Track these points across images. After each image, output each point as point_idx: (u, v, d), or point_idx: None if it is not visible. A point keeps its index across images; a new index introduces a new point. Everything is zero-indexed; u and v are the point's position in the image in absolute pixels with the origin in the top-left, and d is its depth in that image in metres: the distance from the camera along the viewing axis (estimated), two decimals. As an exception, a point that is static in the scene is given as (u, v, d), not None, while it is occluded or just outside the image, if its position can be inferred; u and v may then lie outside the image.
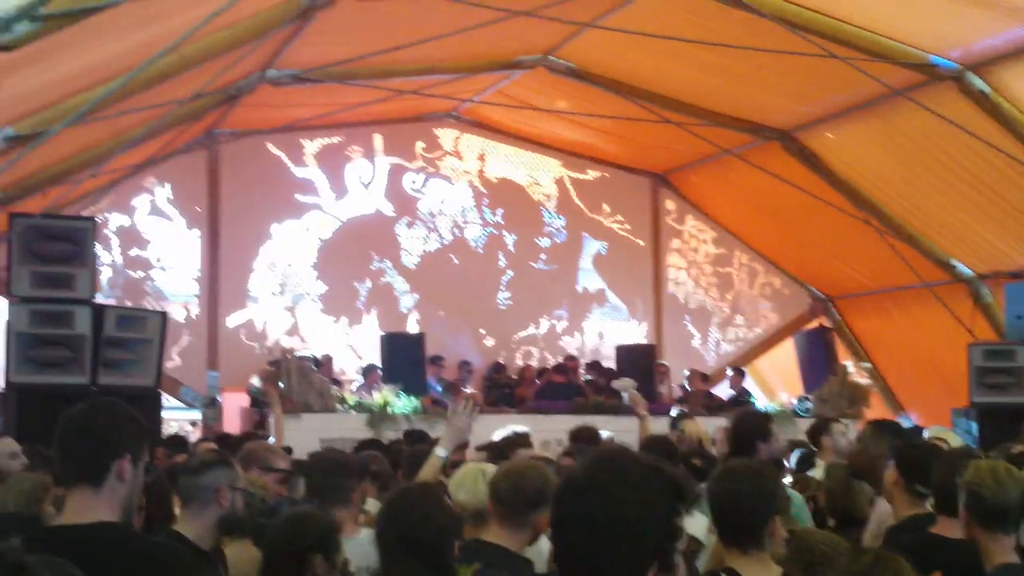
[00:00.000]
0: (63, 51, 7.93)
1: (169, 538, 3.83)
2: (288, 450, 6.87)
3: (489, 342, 17.68)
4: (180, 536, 3.86)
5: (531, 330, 18.08)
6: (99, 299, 11.49)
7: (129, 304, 14.44)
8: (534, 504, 3.90)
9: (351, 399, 12.87)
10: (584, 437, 7.80)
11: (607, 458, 2.01)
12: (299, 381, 12.55)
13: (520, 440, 6.46)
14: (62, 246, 10.26)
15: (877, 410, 16.75)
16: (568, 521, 1.94)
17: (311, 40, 11.46)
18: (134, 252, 15.63)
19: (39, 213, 10.42)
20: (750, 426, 5.92)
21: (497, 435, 8.06)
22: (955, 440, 7.14)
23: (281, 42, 11.29)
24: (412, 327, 16.78)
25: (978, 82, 11.69)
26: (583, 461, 2.06)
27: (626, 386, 10.14)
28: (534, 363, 17.29)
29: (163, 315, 11.41)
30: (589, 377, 15.80)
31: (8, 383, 10.12)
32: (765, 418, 6.33)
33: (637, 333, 18.51)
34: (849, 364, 15.53)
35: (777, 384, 18.93)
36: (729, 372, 16.87)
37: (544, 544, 4.04)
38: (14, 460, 6.12)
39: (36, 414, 9.30)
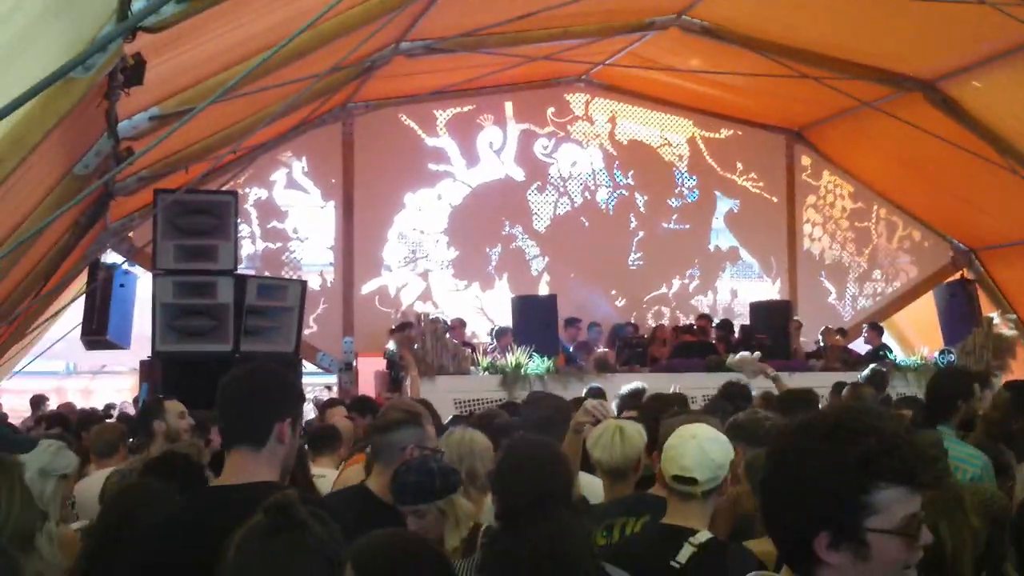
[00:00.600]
0: (204, 32, 8.16)
1: (359, 492, 4.00)
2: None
3: (620, 303, 17.67)
4: (367, 490, 4.00)
5: (663, 290, 18.01)
6: (239, 270, 11.85)
7: (268, 274, 14.86)
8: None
9: (484, 361, 13.00)
10: (733, 394, 7.71)
11: (802, 423, 1.97)
12: (433, 344, 12.73)
13: (675, 399, 6.32)
14: (204, 219, 10.57)
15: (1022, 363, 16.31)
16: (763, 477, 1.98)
17: (444, 10, 11.51)
18: (272, 224, 16.02)
19: (182, 188, 10.75)
20: (953, 385, 5.55)
21: (624, 389, 8.07)
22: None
23: (415, 14, 11.37)
24: (543, 290, 16.87)
25: None
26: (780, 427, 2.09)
27: (744, 363, 9.86)
28: (665, 322, 17.22)
29: (302, 283, 11.68)
30: (720, 334, 15.64)
31: (155, 352, 10.48)
32: (969, 376, 5.87)
33: (771, 291, 18.30)
34: (995, 315, 15.07)
35: (915, 338, 18.52)
36: (865, 328, 16.53)
37: None
38: (182, 420, 6.43)
39: (182, 381, 9.63)
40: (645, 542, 3.46)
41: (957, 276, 18.44)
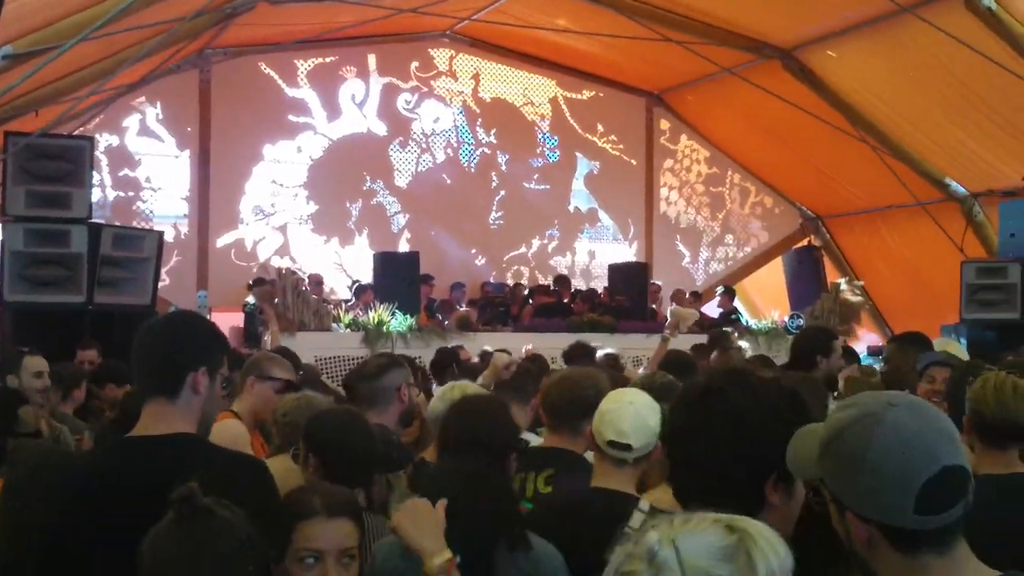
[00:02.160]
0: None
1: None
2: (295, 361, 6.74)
3: (481, 261, 17.70)
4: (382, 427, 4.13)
5: (522, 249, 18.11)
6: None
7: (119, 224, 14.34)
8: (586, 413, 3.92)
9: (346, 318, 12.85)
10: (579, 355, 7.87)
11: (729, 371, 2.05)
12: (294, 299, 12.53)
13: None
14: (58, 165, 10.10)
15: (867, 327, 16.99)
16: (687, 431, 1.98)
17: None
18: (123, 173, 15.46)
19: (34, 132, 10.26)
20: (813, 341, 5.95)
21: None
22: (961, 352, 7.15)
23: (279, -42, 11.08)
24: (403, 247, 16.76)
25: (985, -1, 11.65)
26: (703, 376, 2.12)
27: (683, 313, 10.01)
28: (524, 282, 17.34)
29: (159, 234, 11.32)
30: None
31: (3, 302, 10.02)
32: (828, 334, 6.26)
33: (628, 253, 18.57)
34: (842, 281, 15.61)
35: (763, 303, 19.08)
36: (718, 292, 16.94)
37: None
38: (38, 379, 6.15)
39: (31, 332, 9.26)
40: (590, 506, 3.44)
41: (805, 243, 19.03)
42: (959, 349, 7.28)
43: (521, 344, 10.28)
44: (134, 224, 14.82)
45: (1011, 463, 3.48)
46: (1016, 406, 3.43)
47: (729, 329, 11.73)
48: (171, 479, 2.23)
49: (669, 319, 10.05)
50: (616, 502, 3.32)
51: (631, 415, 3.44)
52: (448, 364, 8.49)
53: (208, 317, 14.28)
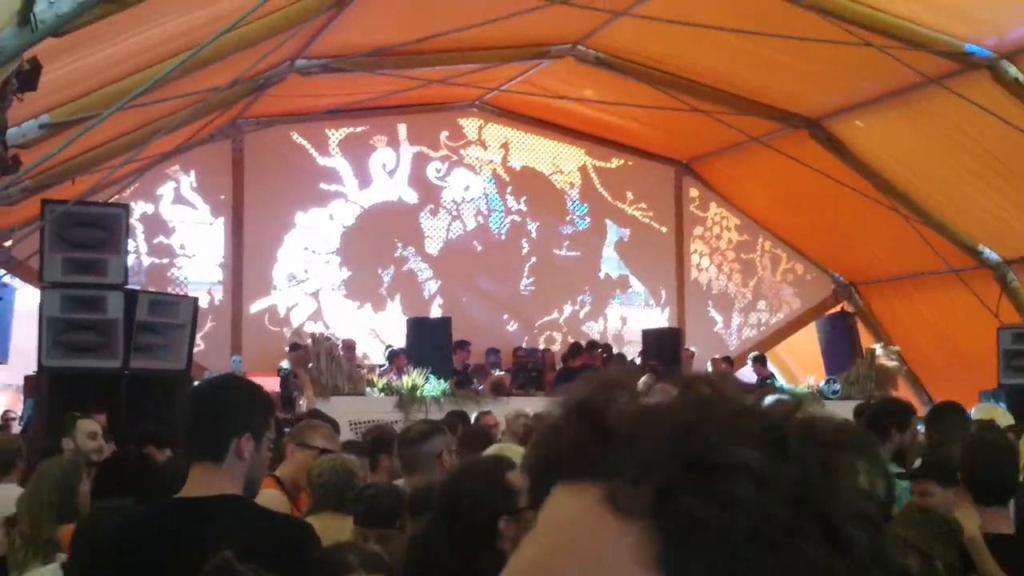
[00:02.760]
0: (99, 40, 7.97)
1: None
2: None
3: (513, 327, 17.73)
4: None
5: (554, 315, 18.13)
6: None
7: (153, 290, 14.50)
8: None
9: (380, 382, 12.90)
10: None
11: None
12: (328, 364, 12.60)
13: None
14: (94, 232, 10.27)
15: (903, 393, 16.81)
16: None
17: (342, 29, 11.46)
18: (158, 239, 15.67)
19: (71, 200, 10.44)
20: (891, 413, 5.70)
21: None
22: (1006, 417, 7.04)
23: (313, 31, 11.28)
24: (435, 313, 16.83)
25: (1012, 70, 11.70)
26: None
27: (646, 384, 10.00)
28: (555, 348, 17.35)
29: (194, 300, 11.44)
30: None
31: (40, 367, 10.14)
32: (907, 408, 5.94)
33: (660, 319, 18.54)
34: (878, 347, 15.51)
35: (796, 369, 18.98)
36: (749, 359, 16.86)
37: None
38: (92, 441, 6.24)
39: (68, 397, 9.35)
40: None
41: (838, 308, 18.95)
42: (1004, 414, 7.21)
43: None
44: (168, 290, 14.97)
45: None
46: None
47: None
48: (219, 539, 2.26)
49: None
50: None
51: None
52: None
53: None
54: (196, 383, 3.10)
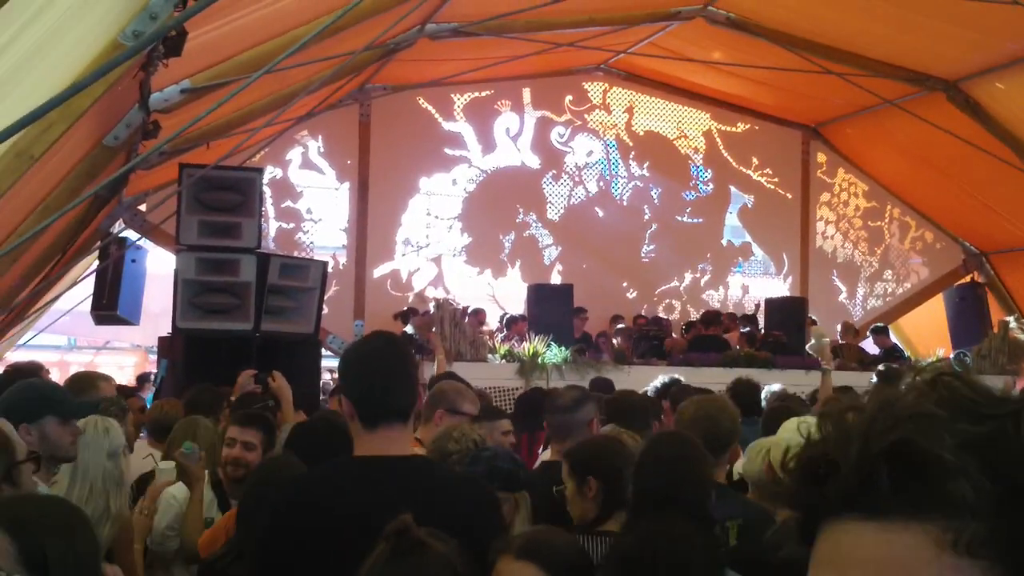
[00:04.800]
0: (237, 6, 8.07)
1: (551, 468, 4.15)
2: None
3: (632, 295, 17.62)
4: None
5: (674, 283, 17.96)
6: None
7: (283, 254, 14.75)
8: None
9: (502, 348, 12.93)
10: (743, 391, 7.67)
11: None
12: (452, 330, 12.67)
13: None
14: (230, 196, 10.45)
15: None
16: None
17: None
18: (286, 204, 15.93)
19: (207, 165, 10.64)
20: None
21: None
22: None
23: (442, -2, 11.29)
24: (555, 279, 16.82)
25: None
26: None
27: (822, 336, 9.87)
28: (674, 316, 17.21)
29: (324, 264, 11.58)
30: (746, 329, 15.58)
31: (175, 328, 10.38)
32: None
33: (782, 288, 18.25)
34: (1011, 319, 15.02)
35: (917, 341, 18.53)
36: (870, 332, 16.48)
37: None
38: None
39: (201, 359, 9.57)
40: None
41: (968, 279, 18.41)
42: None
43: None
44: (295, 254, 15.22)
45: None
46: None
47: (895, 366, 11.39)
48: (410, 500, 2.28)
49: (812, 347, 9.86)
50: None
51: None
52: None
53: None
54: (365, 342, 3.02)
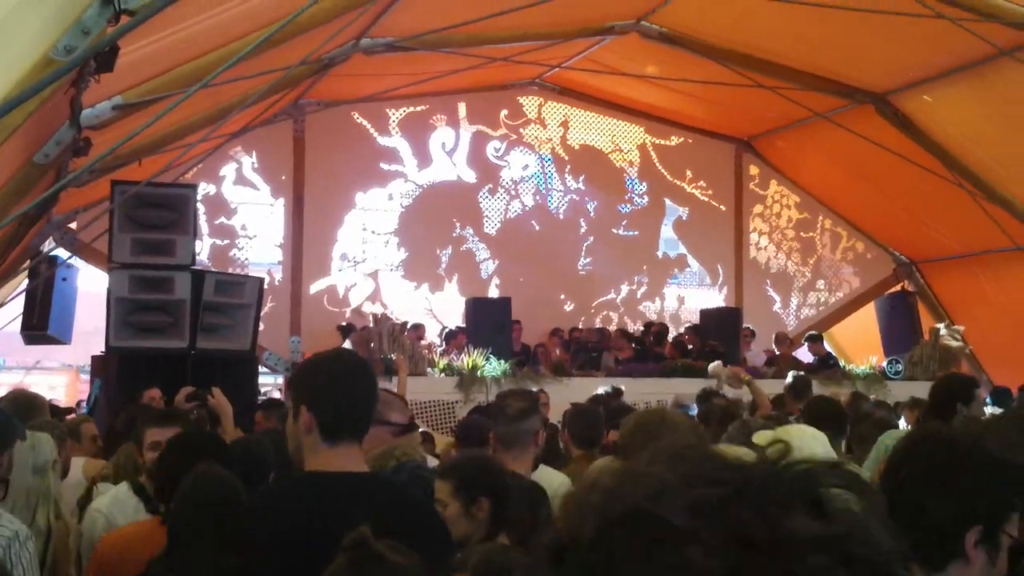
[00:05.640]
0: (172, 20, 7.98)
1: None
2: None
3: (570, 307, 17.69)
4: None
5: (611, 295, 18.07)
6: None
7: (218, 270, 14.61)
8: None
9: (441, 362, 12.92)
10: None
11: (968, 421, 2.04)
12: (390, 344, 12.63)
13: None
14: (163, 213, 10.37)
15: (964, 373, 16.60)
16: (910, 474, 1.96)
17: (404, 10, 11.42)
18: (219, 220, 15.78)
19: (139, 181, 10.50)
20: (954, 389, 5.86)
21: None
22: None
23: (379, 11, 11.25)
24: (492, 293, 16.84)
25: (1087, 41, 11.45)
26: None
27: (719, 371, 9.92)
28: (611, 328, 17.30)
29: (260, 281, 11.52)
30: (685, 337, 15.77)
31: (108, 347, 10.24)
32: (970, 382, 6.19)
33: (717, 298, 18.44)
34: (941, 326, 15.31)
35: (849, 349, 18.80)
36: (804, 340, 16.70)
37: None
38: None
39: (135, 378, 9.43)
40: None
41: (898, 288, 18.73)
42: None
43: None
44: (230, 271, 15.07)
45: None
46: None
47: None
48: (361, 516, 2.28)
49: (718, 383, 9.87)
50: None
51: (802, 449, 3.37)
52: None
53: (300, 361, 14.60)
54: (337, 359, 3.06)
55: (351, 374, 2.98)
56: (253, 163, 15.90)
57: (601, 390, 8.03)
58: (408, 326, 14.28)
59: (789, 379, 9.18)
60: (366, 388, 3.01)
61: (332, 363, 3.06)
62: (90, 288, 14.03)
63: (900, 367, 14.48)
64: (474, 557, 2.67)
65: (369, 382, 3.04)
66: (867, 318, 18.66)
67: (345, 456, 2.86)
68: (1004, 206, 14.84)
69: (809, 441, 3.43)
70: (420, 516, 2.65)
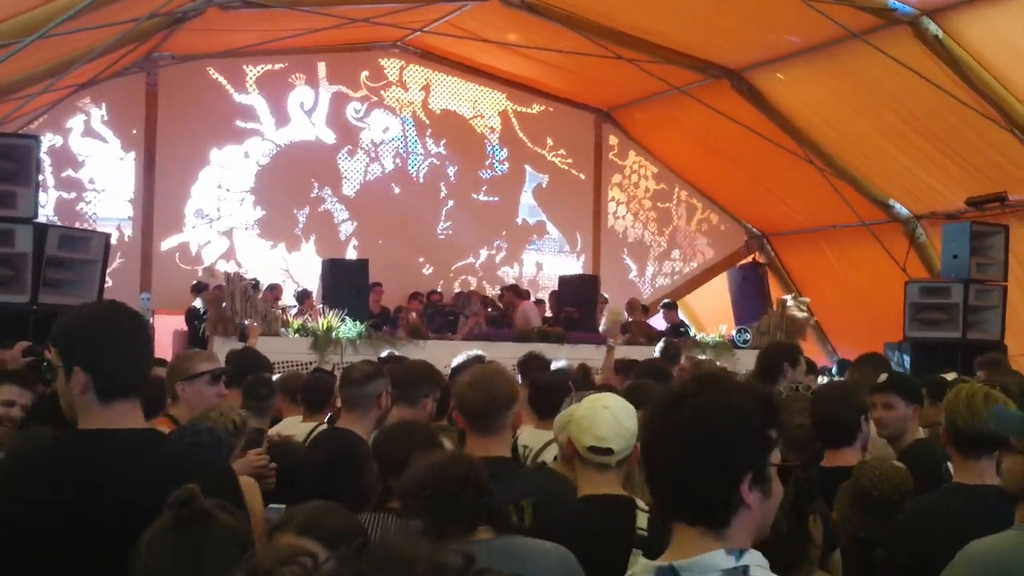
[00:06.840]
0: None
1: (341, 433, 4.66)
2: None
3: (428, 270, 17.68)
4: (352, 432, 4.58)
5: (470, 260, 18.12)
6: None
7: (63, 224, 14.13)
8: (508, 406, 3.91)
9: (295, 323, 12.75)
10: (535, 366, 7.77)
11: (702, 376, 2.05)
12: (243, 304, 12.41)
13: None
14: (3, 164, 9.93)
15: (809, 344, 17.17)
16: (662, 438, 1.97)
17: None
18: (66, 173, 15.27)
19: (-21, 131, 10.09)
20: (781, 351, 6.25)
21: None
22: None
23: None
24: (351, 255, 16.70)
25: (933, 27, 11.91)
26: (680, 381, 2.09)
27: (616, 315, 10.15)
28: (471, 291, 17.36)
29: (106, 236, 11.17)
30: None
31: (-56, 302, 9.82)
32: (795, 347, 6.65)
33: (575, 265, 18.66)
34: (788, 298, 15.78)
35: (704, 318, 19.25)
36: (660, 307, 17.01)
37: None
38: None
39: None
40: (594, 514, 3.40)
41: (750, 259, 19.24)
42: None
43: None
44: (77, 225, 14.60)
45: (983, 473, 3.51)
46: (986, 416, 3.39)
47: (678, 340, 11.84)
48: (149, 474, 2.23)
49: (604, 324, 10.16)
50: (611, 505, 3.39)
51: (608, 419, 3.45)
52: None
53: (151, 320, 14.26)
54: (106, 312, 2.82)
55: (124, 329, 2.77)
56: (103, 115, 15.41)
57: (463, 357, 7.99)
58: (265, 286, 14.05)
59: (661, 345, 9.51)
60: (142, 344, 2.83)
61: (102, 317, 2.78)
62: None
63: (748, 336, 14.86)
64: (300, 516, 2.66)
65: (144, 336, 2.86)
66: (720, 288, 19.14)
67: (122, 414, 2.70)
68: (851, 182, 15.38)
69: (621, 412, 3.50)
70: (204, 476, 2.54)
